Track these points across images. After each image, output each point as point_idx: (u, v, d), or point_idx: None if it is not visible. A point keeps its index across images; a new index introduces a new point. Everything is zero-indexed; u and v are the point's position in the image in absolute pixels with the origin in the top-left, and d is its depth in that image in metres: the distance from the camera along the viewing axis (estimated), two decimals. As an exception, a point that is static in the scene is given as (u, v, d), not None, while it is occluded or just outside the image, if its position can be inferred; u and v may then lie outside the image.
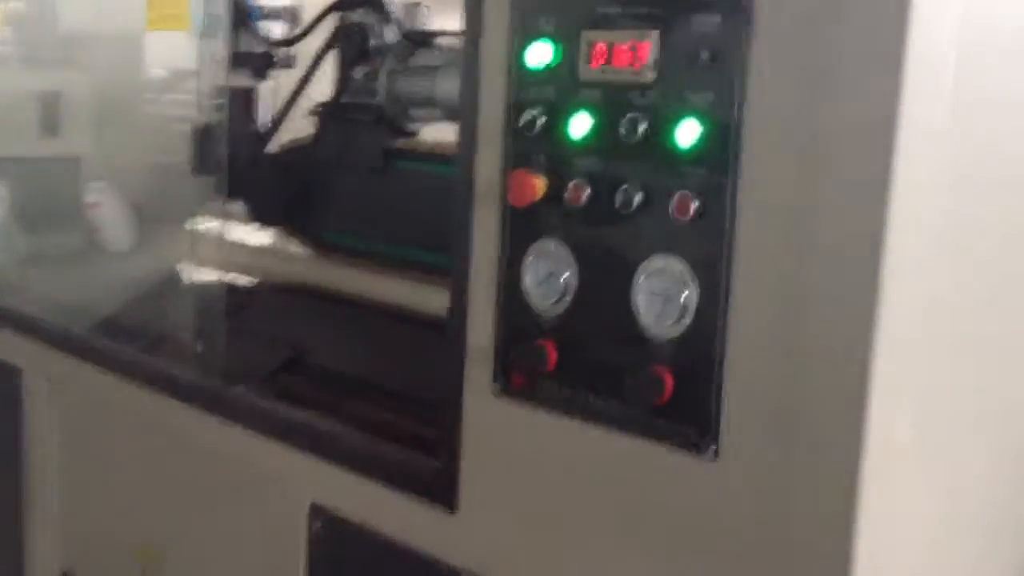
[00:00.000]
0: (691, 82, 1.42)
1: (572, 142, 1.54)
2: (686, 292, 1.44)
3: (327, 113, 2.94)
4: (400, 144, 2.83)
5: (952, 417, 1.47)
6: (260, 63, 3.20)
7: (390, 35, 2.84)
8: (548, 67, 1.57)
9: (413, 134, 2.89)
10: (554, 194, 1.57)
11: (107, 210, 3.46)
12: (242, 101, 3.20)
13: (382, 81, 2.81)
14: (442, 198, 2.78)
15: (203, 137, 2.45)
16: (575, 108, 1.54)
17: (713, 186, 1.40)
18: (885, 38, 1.25)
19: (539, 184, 1.57)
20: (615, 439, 1.52)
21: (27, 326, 2.72)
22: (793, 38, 1.32)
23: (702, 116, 1.41)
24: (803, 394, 1.34)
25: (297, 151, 3.05)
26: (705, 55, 1.40)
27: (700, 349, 1.43)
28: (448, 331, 1.73)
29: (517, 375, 1.63)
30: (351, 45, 2.86)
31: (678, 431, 1.46)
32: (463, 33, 1.69)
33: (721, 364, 1.41)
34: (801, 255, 1.33)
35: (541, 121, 1.57)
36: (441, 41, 2.80)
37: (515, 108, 1.61)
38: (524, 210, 1.60)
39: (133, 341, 2.89)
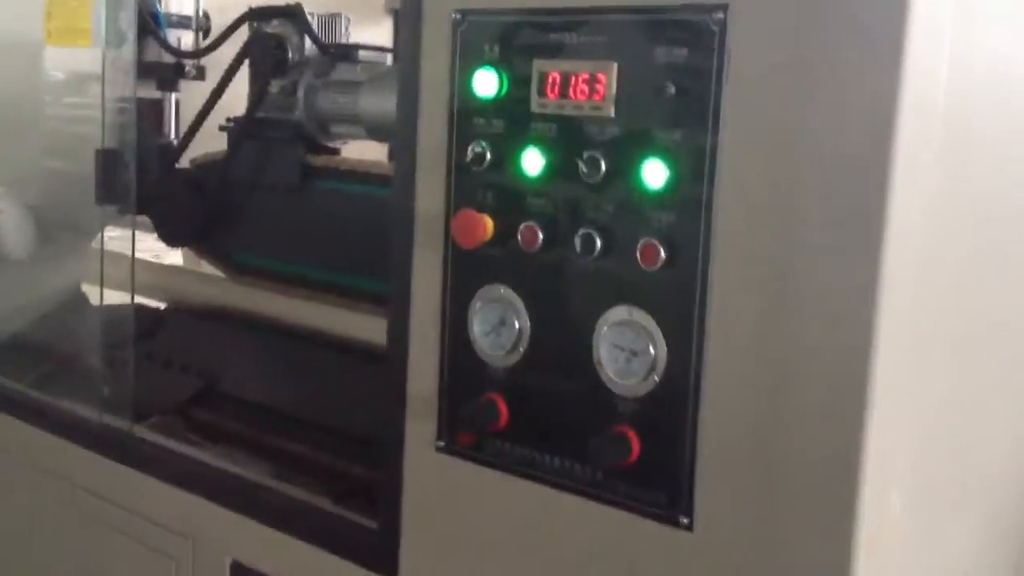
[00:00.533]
0: (656, 118, 1.28)
1: (524, 179, 1.40)
2: (652, 347, 1.30)
3: (241, 128, 2.76)
4: (319, 162, 2.66)
5: (942, 484, 1.36)
6: (169, 74, 3.01)
7: (308, 48, 2.67)
8: (495, 97, 1.42)
9: (333, 151, 2.73)
10: (504, 235, 1.43)
11: (6, 217, 3.24)
12: (150, 114, 3.01)
13: (300, 96, 2.64)
14: (365, 219, 2.64)
15: (107, 162, 2.24)
16: (527, 143, 1.40)
17: (683, 232, 1.27)
18: (876, 74, 1.13)
19: (488, 224, 1.42)
20: (574, 503, 1.39)
21: None
22: (772, 74, 1.20)
23: (669, 156, 1.27)
24: (788, 459, 1.21)
25: (209, 167, 2.86)
26: (671, 90, 1.27)
27: (670, 408, 1.30)
28: (386, 379, 1.57)
29: (464, 431, 1.49)
30: (266, 57, 2.68)
31: (646, 497, 1.33)
32: (399, 56, 1.54)
33: (695, 425, 1.28)
34: (782, 307, 1.20)
35: (489, 156, 1.42)
36: (364, 55, 2.63)
37: (459, 140, 1.46)
38: (471, 252, 1.45)
39: (33, 368, 2.69)
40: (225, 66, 2.93)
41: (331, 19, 2.69)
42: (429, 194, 1.49)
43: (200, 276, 2.85)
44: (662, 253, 1.27)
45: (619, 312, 1.33)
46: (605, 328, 1.34)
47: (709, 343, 1.26)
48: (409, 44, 1.50)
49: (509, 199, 1.42)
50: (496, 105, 1.42)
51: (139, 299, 3.03)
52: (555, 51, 1.37)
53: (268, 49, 2.68)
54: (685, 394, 1.28)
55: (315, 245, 2.66)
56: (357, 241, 2.56)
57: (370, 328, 2.48)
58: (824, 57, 1.16)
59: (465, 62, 1.45)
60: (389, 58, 2.67)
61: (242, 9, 2.81)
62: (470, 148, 1.43)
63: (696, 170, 1.25)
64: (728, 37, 1.22)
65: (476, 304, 1.46)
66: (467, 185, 1.45)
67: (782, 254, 1.20)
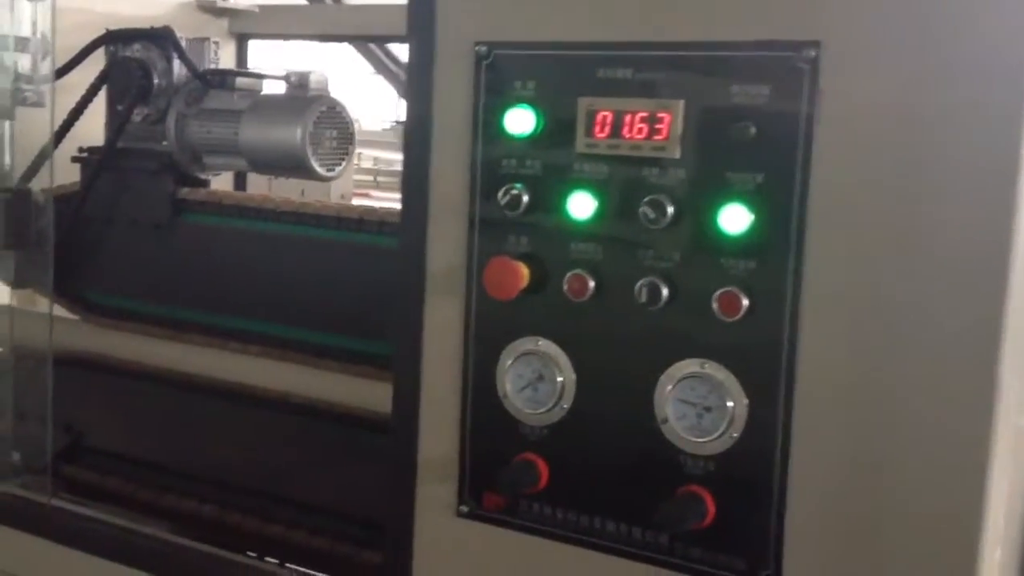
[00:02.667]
0: (734, 160, 1.16)
1: (570, 225, 1.25)
2: (730, 401, 1.18)
3: (100, 160, 2.46)
4: (187, 194, 2.40)
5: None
6: (4, 101, 2.65)
7: (177, 74, 2.40)
8: (530, 137, 1.27)
9: (204, 183, 2.47)
10: (541, 284, 1.27)
11: None
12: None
13: (170, 125, 2.37)
14: (242, 254, 2.40)
15: (15, 206, 1.93)
16: (573, 185, 1.24)
17: (766, 279, 1.15)
18: (999, 116, 1.05)
19: (524, 273, 1.26)
20: (633, 570, 1.24)
21: None
22: (873, 116, 1.10)
23: (750, 200, 1.15)
24: (894, 520, 1.11)
25: (62, 201, 2.53)
26: (750, 130, 1.15)
27: (752, 467, 1.17)
28: (391, 441, 1.38)
29: (493, 495, 1.32)
30: (129, 83, 2.40)
31: (722, 562, 1.20)
32: (408, 92, 1.35)
33: (783, 484, 1.16)
34: (885, 358, 1.10)
35: (525, 200, 1.26)
36: (241, 82, 2.39)
37: (486, 183, 1.29)
38: (501, 303, 1.28)
39: None
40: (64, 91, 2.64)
41: (198, 43, 2.43)
42: (446, 242, 1.32)
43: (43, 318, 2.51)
44: (744, 302, 1.15)
45: (688, 365, 1.20)
46: (671, 382, 1.20)
47: (799, 396, 1.15)
48: (420, 79, 1.32)
49: (551, 246, 1.26)
50: (532, 145, 1.26)
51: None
52: (604, 88, 1.22)
53: (131, 74, 2.39)
54: (770, 451, 1.16)
55: (185, 284, 2.40)
56: (234, 278, 2.32)
57: (248, 370, 2.27)
58: (937, 97, 1.07)
59: (493, 99, 1.28)
60: (265, 85, 2.44)
61: (94, 31, 2.51)
62: (502, 192, 1.27)
63: (782, 215, 1.14)
64: (821, 76, 1.11)
65: (506, 358, 1.30)
66: (497, 231, 1.29)
67: (884, 301, 1.10)
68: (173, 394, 2.35)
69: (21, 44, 2.64)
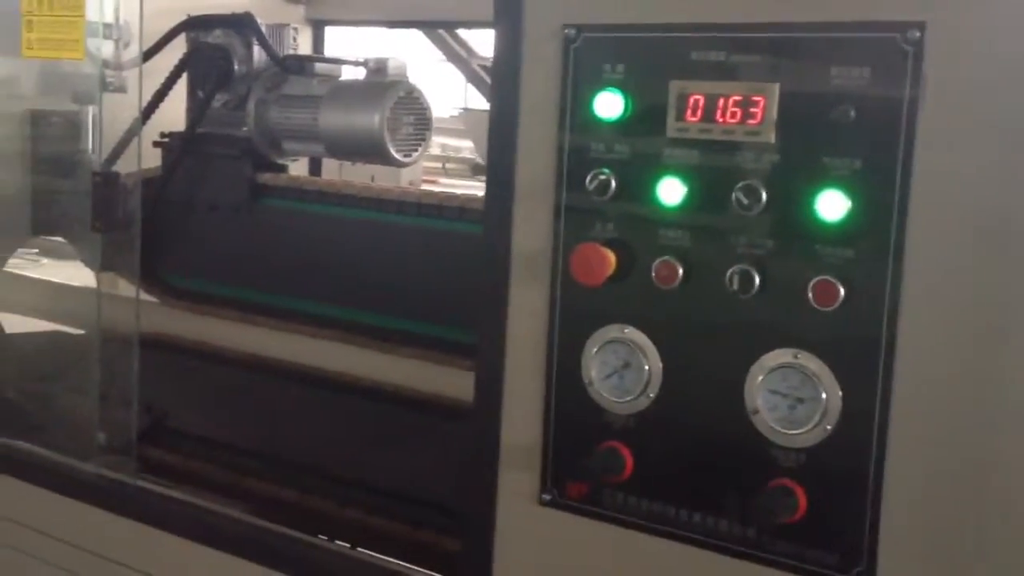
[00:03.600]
0: (831, 145, 1.11)
1: (659, 210, 1.21)
2: (823, 393, 1.13)
3: (180, 145, 2.46)
4: (268, 180, 2.39)
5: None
6: (88, 86, 2.66)
7: (257, 60, 2.39)
8: (618, 121, 1.23)
9: (282, 168, 2.46)
10: (628, 271, 1.23)
11: None
12: (63, 128, 2.66)
13: (250, 111, 2.36)
14: (322, 239, 2.39)
15: (103, 189, 1.93)
16: (662, 170, 1.20)
17: (865, 268, 1.10)
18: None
19: (611, 259, 1.23)
20: (720, 563, 1.20)
21: None
22: (980, 98, 1.04)
23: (849, 186, 1.10)
24: (990, 521, 1.06)
25: (141, 185, 2.54)
26: (850, 114, 1.10)
27: (847, 459, 1.13)
28: (473, 426, 1.35)
29: (577, 483, 1.28)
30: (210, 70, 2.39)
31: (813, 556, 1.15)
32: (493, 75, 1.32)
33: (879, 477, 1.11)
34: (990, 347, 1.05)
35: (613, 185, 1.22)
36: (320, 68, 2.37)
37: (573, 168, 1.25)
38: (588, 290, 1.25)
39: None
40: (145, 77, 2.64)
41: (278, 30, 2.41)
42: (532, 228, 1.28)
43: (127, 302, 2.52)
44: (841, 292, 1.11)
45: (780, 355, 1.15)
46: (762, 373, 1.16)
47: (896, 389, 1.10)
48: (507, 63, 1.29)
49: (639, 232, 1.22)
50: (620, 130, 1.22)
51: (54, 326, 2.70)
52: (696, 71, 1.18)
53: (213, 60, 2.39)
54: (866, 443, 1.11)
55: (265, 268, 2.40)
56: (317, 264, 2.31)
57: (332, 357, 2.26)
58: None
59: (581, 83, 1.24)
60: (344, 70, 2.42)
61: (174, 18, 2.51)
62: (589, 177, 1.23)
63: (882, 202, 1.09)
64: (925, 59, 1.06)
65: (592, 345, 1.26)
66: (585, 217, 1.25)
67: (987, 290, 1.05)
68: (252, 377, 2.35)
69: (107, 31, 2.65)
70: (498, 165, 1.30)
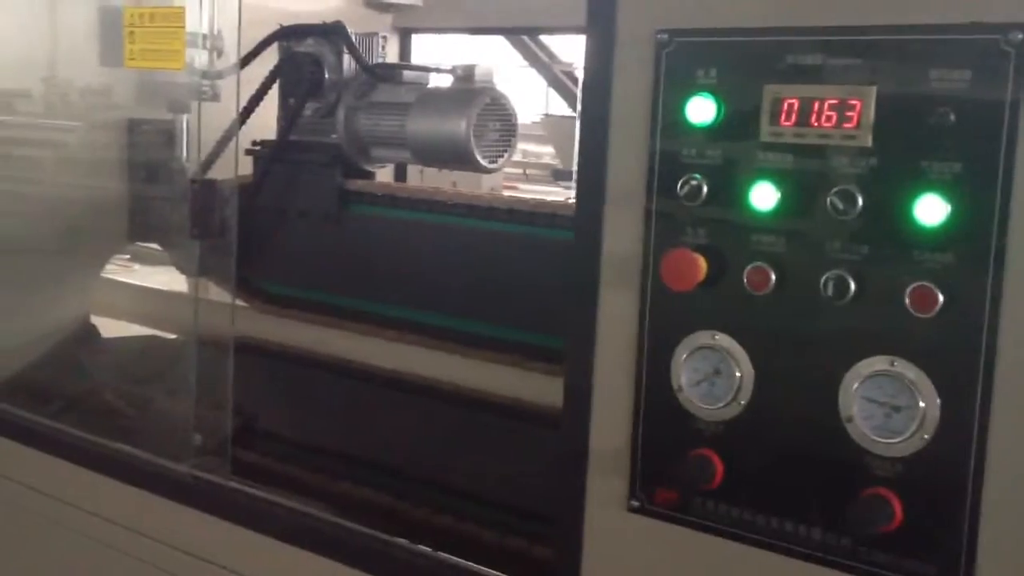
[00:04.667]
0: (929, 149, 1.08)
1: (752, 216, 1.18)
2: (921, 401, 1.10)
3: (271, 152, 2.49)
4: (357, 186, 2.41)
5: None
6: (182, 94, 2.71)
7: (347, 68, 2.41)
8: (711, 126, 1.21)
9: (370, 175, 2.47)
10: (719, 277, 1.21)
11: None
12: (158, 136, 2.71)
13: (340, 118, 2.38)
14: (410, 245, 2.40)
15: (205, 193, 1.95)
16: (756, 175, 1.18)
17: (964, 274, 1.07)
18: None
19: (702, 265, 1.20)
20: (811, 571, 1.17)
21: None
22: (1087, 100, 1.00)
23: (948, 191, 1.07)
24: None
25: (204, 193, 2.57)
26: (949, 118, 1.07)
27: (945, 469, 1.09)
28: (561, 434, 1.34)
29: (666, 490, 1.26)
30: (302, 78, 2.41)
31: (908, 567, 1.12)
32: (585, 80, 1.30)
33: (978, 488, 1.07)
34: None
35: (705, 189, 1.20)
36: (408, 76, 2.38)
37: (664, 173, 1.24)
38: (678, 295, 1.23)
39: (46, 404, 2.36)
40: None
41: (367, 38, 2.43)
42: (621, 232, 1.27)
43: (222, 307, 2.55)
44: (939, 298, 1.07)
45: (877, 362, 1.12)
46: (857, 380, 1.13)
47: (997, 398, 1.06)
48: (598, 68, 1.27)
49: (731, 237, 1.20)
50: (712, 134, 1.20)
51: (151, 330, 2.75)
52: (791, 75, 1.15)
53: (304, 69, 2.41)
54: (965, 454, 1.08)
55: (355, 274, 2.41)
56: (406, 269, 2.32)
57: (421, 362, 2.26)
58: None
59: (673, 88, 1.22)
60: (432, 78, 2.42)
61: (263, 28, 2.54)
62: (681, 181, 1.21)
63: (983, 206, 1.05)
64: (1029, 60, 1.02)
65: (681, 352, 1.24)
66: (676, 222, 1.23)
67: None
68: (340, 381, 2.37)
69: (202, 42, 2.70)
70: (589, 170, 1.28)
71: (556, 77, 3.67)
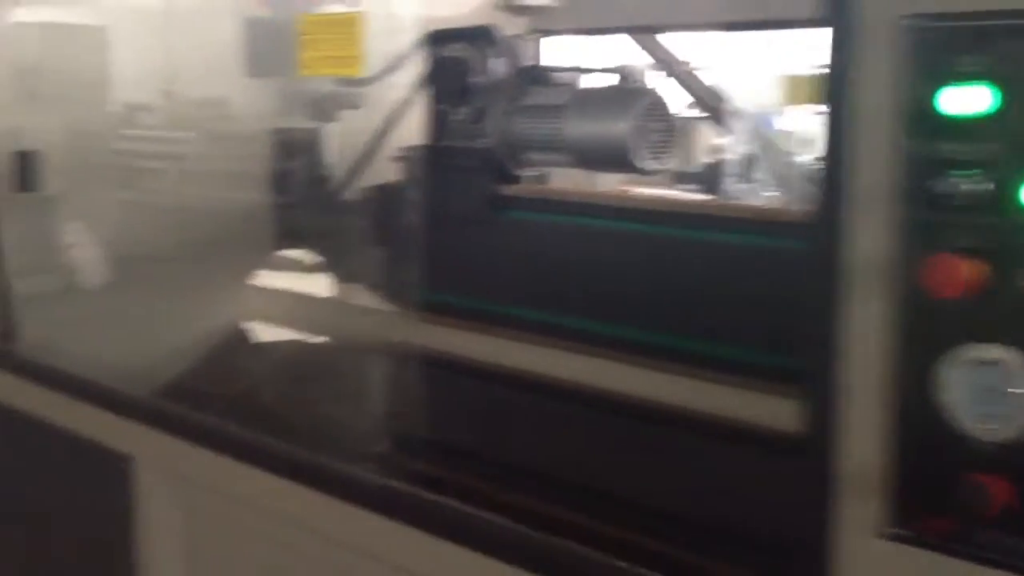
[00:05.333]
0: None
1: (1032, 217, 1.04)
2: None
3: (421, 158, 2.39)
4: (510, 191, 2.30)
5: None
6: (326, 103, 2.64)
7: (497, 70, 2.30)
8: (976, 118, 1.07)
9: (520, 180, 2.36)
10: (992, 284, 1.07)
11: (84, 250, 2.90)
12: (304, 144, 2.64)
13: (491, 122, 2.28)
14: (567, 251, 2.28)
15: (385, 201, 1.86)
16: (1035, 172, 1.04)
17: None
18: None
19: (975, 272, 1.07)
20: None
21: (134, 405, 2.03)
22: None
23: None
24: None
25: (381, 199, 2.49)
26: None
27: None
28: (806, 451, 1.21)
29: (935, 518, 1.13)
30: (450, 82, 2.31)
31: None
32: (829, 74, 1.17)
33: None
34: None
35: (979, 189, 1.06)
36: (558, 78, 2.27)
37: (923, 171, 1.10)
38: (946, 306, 1.09)
39: (204, 408, 2.30)
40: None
41: (514, 41, 2.32)
42: (872, 239, 1.13)
43: (378, 314, 2.47)
44: None
45: None
46: None
47: None
48: (839, 61, 1.14)
49: (1004, 240, 1.06)
50: (978, 128, 1.07)
51: (303, 335, 2.68)
52: (1081, 59, 1.01)
53: (452, 73, 2.31)
54: None
55: (512, 280, 2.30)
56: (557, 276, 2.20)
57: (578, 370, 2.15)
58: None
59: (926, 78, 1.09)
60: (581, 79, 2.31)
61: (399, 35, 2.45)
62: (943, 181, 1.08)
63: None
64: None
65: (948, 365, 1.10)
66: (939, 226, 1.10)
67: None
68: (493, 388, 2.27)
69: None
70: (832, 171, 1.15)
71: (686, 77, 3.52)
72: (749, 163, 2.79)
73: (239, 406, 2.34)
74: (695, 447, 1.74)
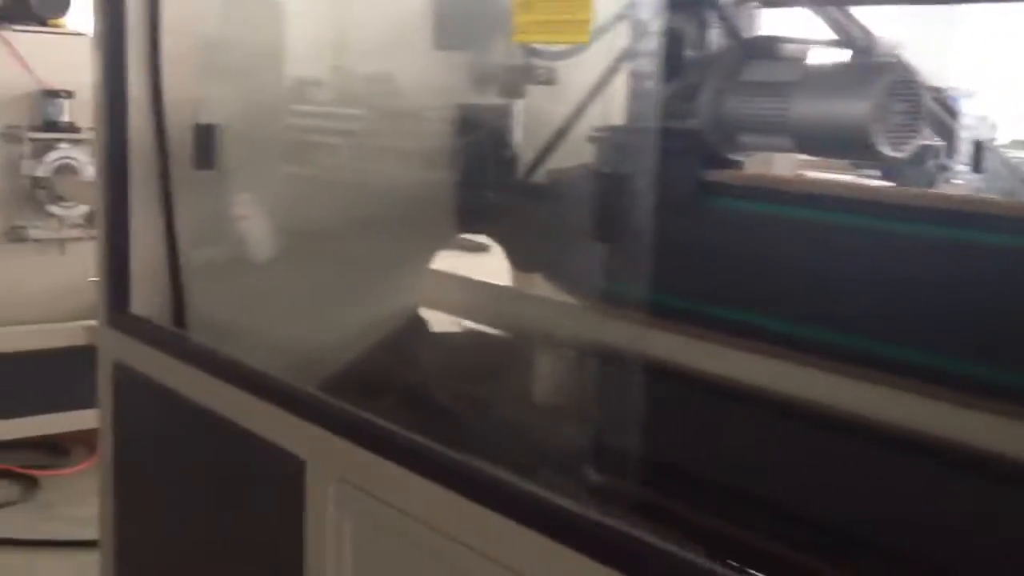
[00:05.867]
0: None
1: None
2: None
3: (620, 139, 2.13)
4: (717, 177, 2.02)
5: None
6: (516, 78, 2.40)
7: (714, 43, 2.02)
8: None
9: (733, 164, 2.08)
10: None
11: (250, 222, 2.73)
12: (490, 122, 2.41)
13: (706, 100, 2.00)
14: (786, 246, 2.00)
15: (612, 188, 1.62)
16: None
17: None
18: None
19: None
20: None
21: (307, 402, 1.82)
22: None
23: None
24: None
25: (572, 183, 2.24)
26: None
27: None
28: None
29: None
30: (670, 56, 2.04)
31: None
32: None
33: None
34: None
35: None
36: (787, 51, 1.97)
37: None
38: None
39: (377, 399, 2.09)
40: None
41: (738, 7, 2.03)
42: None
43: (569, 308, 2.22)
44: None
45: None
46: None
47: None
48: None
49: None
50: None
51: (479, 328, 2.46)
52: None
53: (664, 46, 2.03)
54: None
55: (712, 275, 2.03)
56: (783, 274, 1.92)
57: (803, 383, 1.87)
58: None
59: None
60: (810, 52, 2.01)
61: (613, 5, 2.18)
62: None
63: None
64: None
65: None
66: None
67: None
68: (694, 394, 2.00)
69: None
70: None
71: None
72: (977, 150, 2.44)
73: (413, 402, 2.14)
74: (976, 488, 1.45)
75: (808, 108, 1.85)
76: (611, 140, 2.14)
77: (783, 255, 1.91)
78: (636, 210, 1.59)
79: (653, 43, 2.00)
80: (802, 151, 1.98)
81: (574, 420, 1.94)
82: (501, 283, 2.37)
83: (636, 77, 2.10)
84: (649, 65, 2.03)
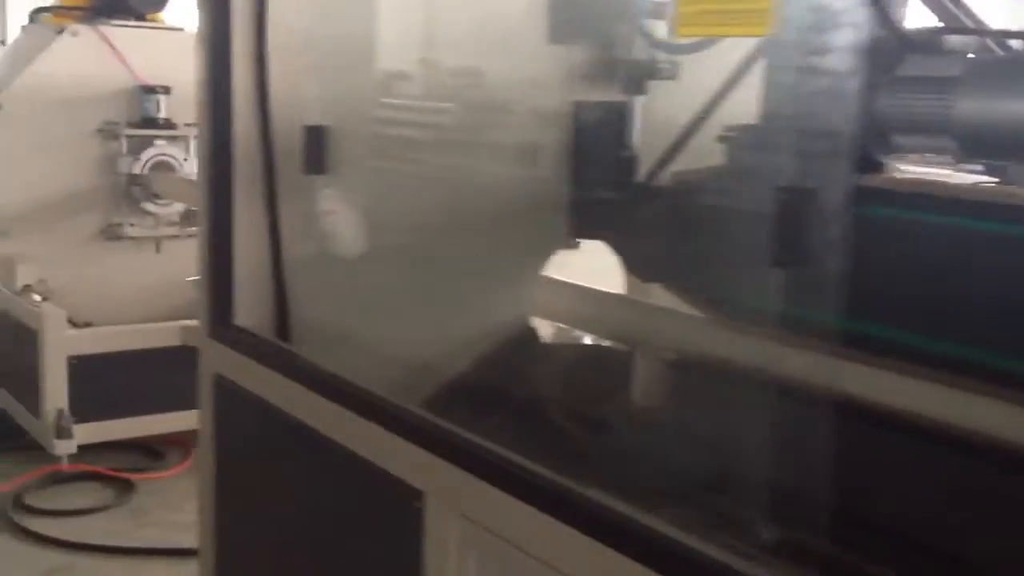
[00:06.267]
0: None
1: None
2: None
3: (752, 139, 1.94)
4: (871, 182, 1.82)
5: None
6: (637, 72, 2.21)
7: (861, 35, 1.81)
8: None
9: (880, 168, 1.87)
10: None
11: (337, 217, 2.60)
12: (609, 120, 2.22)
13: (854, 97, 1.79)
14: (946, 258, 1.78)
15: (796, 207, 1.43)
16: None
17: None
18: None
19: None
20: None
21: (421, 427, 1.65)
22: None
23: None
24: None
25: (699, 186, 2.05)
26: None
27: None
28: None
29: None
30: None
31: None
32: None
33: None
34: None
35: None
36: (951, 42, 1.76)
37: None
38: None
39: (487, 414, 1.93)
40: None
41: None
42: None
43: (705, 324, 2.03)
44: None
45: None
46: None
47: None
48: None
49: None
50: None
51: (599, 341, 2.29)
52: None
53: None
54: None
55: (862, 287, 1.82)
56: (927, 287, 1.71)
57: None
58: None
59: None
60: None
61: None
62: None
63: None
64: None
65: None
66: None
67: None
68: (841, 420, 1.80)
69: (657, 10, 2.19)
70: None
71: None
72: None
73: (526, 422, 1.97)
74: None
75: (976, 107, 1.64)
76: (745, 140, 1.95)
77: (959, 272, 1.70)
78: (824, 230, 1.38)
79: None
80: (964, 153, 1.77)
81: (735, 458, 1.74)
82: (630, 296, 2.20)
83: (770, 71, 1.91)
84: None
